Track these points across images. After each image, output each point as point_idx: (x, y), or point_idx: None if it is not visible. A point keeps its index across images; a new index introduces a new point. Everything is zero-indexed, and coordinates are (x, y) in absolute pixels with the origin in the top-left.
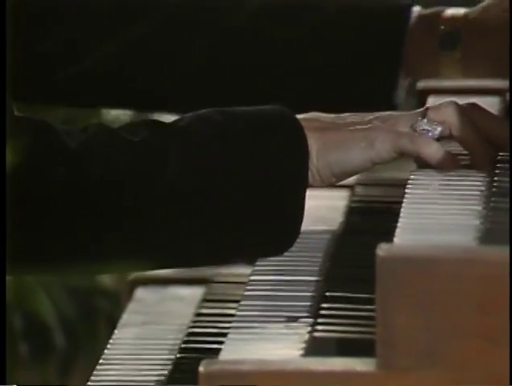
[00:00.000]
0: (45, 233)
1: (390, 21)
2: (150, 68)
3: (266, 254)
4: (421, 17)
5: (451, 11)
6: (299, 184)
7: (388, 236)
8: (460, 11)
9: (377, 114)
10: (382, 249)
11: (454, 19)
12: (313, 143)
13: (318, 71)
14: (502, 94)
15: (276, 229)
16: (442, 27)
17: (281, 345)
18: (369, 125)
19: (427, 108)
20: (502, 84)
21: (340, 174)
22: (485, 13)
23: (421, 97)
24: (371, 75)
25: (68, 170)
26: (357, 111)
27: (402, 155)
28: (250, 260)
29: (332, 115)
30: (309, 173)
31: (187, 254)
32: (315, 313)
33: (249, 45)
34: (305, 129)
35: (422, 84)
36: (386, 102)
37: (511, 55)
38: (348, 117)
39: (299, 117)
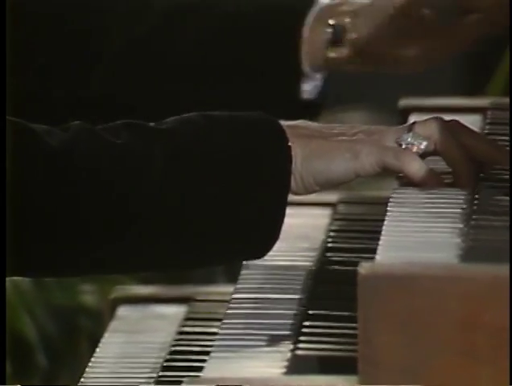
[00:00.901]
0: (33, 234)
1: (285, 14)
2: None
3: (245, 257)
4: (319, 9)
5: (342, 4)
6: (280, 188)
7: (370, 253)
8: (351, 3)
9: (363, 127)
10: (364, 267)
11: (342, 13)
12: (298, 150)
13: (217, 70)
14: (483, 112)
15: (256, 232)
16: (331, 22)
17: (263, 363)
18: (355, 137)
19: (414, 123)
20: (484, 102)
21: (324, 183)
22: (372, 6)
23: (403, 115)
24: (266, 70)
25: (50, 169)
26: (258, 108)
27: (385, 170)
28: (229, 263)
29: (320, 124)
30: (293, 180)
31: (170, 255)
32: (297, 331)
33: (155, 47)
34: (291, 136)
35: (403, 103)
36: (288, 96)
37: None
38: (335, 127)
39: (286, 123)
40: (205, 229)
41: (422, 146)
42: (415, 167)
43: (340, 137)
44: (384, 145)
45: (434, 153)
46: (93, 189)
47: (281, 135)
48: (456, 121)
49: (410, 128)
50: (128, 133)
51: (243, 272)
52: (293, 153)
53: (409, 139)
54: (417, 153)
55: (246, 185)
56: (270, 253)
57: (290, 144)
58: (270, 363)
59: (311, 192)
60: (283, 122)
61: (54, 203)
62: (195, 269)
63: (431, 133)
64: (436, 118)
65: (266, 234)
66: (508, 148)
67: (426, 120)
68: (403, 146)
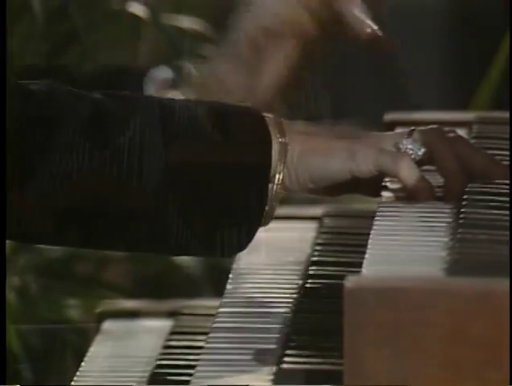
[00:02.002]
0: (12, 180)
1: None
2: None
3: (221, 249)
4: None
5: None
6: (258, 178)
7: (356, 267)
8: None
9: (362, 130)
10: (350, 280)
11: None
12: (296, 146)
13: None
14: (468, 126)
15: (230, 224)
16: None
17: (249, 377)
18: (354, 139)
19: (414, 129)
20: (468, 116)
21: (318, 181)
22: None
23: (388, 129)
24: None
25: (31, 108)
26: None
27: (380, 173)
28: (205, 254)
29: (319, 125)
30: (287, 175)
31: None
32: (283, 344)
33: None
34: (290, 132)
35: (389, 117)
36: None
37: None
38: (333, 128)
39: (286, 121)
40: (180, 211)
41: (420, 153)
42: (410, 173)
43: (339, 137)
44: (382, 148)
45: (429, 161)
46: (68, 135)
47: (263, 129)
48: (456, 132)
49: (411, 134)
50: (106, 94)
51: (229, 285)
52: (289, 147)
53: (409, 145)
54: (414, 159)
55: (223, 172)
56: (256, 267)
57: (274, 138)
58: (256, 376)
59: (305, 189)
60: (284, 120)
61: (31, 144)
62: (168, 255)
63: (430, 141)
64: (437, 127)
65: (240, 229)
66: (502, 162)
67: (427, 128)
68: (401, 151)
